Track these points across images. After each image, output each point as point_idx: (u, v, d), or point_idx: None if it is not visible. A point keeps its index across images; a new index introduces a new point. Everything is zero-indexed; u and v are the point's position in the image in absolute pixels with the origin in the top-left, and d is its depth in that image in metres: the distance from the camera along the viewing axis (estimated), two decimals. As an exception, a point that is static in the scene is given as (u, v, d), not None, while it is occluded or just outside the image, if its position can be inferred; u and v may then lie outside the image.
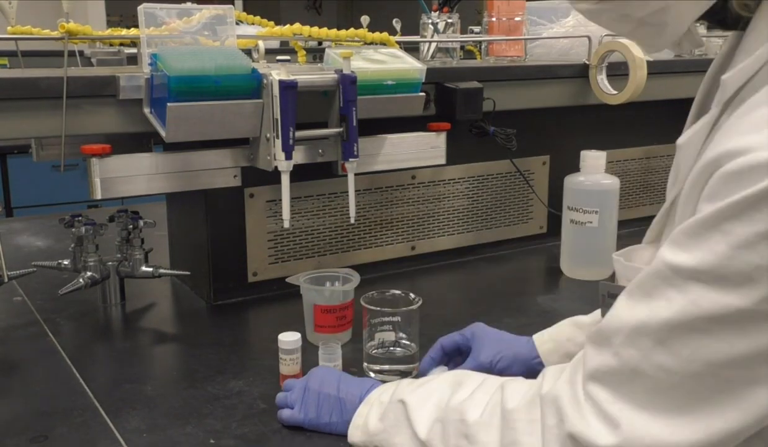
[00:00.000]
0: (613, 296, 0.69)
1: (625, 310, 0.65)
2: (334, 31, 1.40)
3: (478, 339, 1.03)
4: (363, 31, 1.41)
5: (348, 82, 1.20)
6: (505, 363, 1.00)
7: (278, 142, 1.15)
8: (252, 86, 1.15)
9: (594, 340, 0.68)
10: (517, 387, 0.76)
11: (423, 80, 1.34)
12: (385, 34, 1.43)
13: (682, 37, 0.70)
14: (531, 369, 1.00)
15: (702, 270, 0.59)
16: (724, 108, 0.66)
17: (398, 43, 1.46)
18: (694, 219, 0.60)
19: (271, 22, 1.50)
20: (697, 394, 0.61)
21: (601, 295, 0.76)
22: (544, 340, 1.03)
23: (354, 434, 0.87)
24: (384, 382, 1.04)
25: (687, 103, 0.79)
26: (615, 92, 1.59)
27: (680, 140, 0.70)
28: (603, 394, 0.65)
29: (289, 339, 1.02)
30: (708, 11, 0.67)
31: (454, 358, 1.05)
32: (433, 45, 1.71)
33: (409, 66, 1.34)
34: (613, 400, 0.64)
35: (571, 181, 1.49)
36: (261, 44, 1.25)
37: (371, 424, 0.85)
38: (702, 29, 1.66)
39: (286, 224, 1.20)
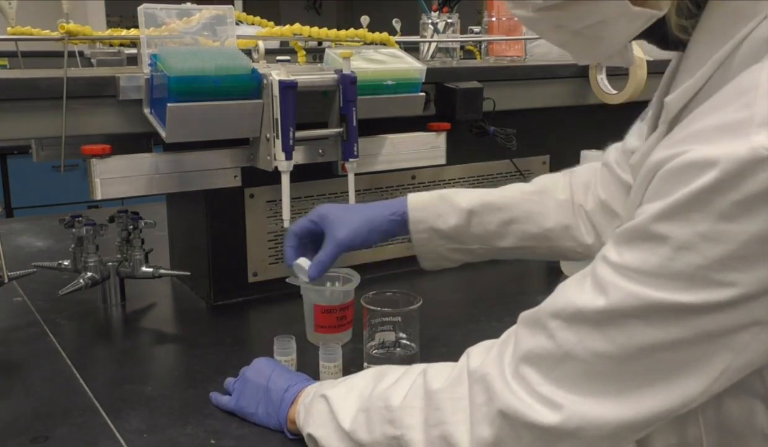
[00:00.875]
0: None
1: (562, 297, 0.66)
2: (334, 31, 1.40)
3: (329, 220, 1.03)
4: (363, 31, 1.41)
5: (348, 82, 1.20)
6: (363, 235, 1.02)
7: (278, 143, 1.15)
8: (252, 86, 1.15)
9: (527, 323, 0.69)
10: (440, 369, 0.77)
11: (423, 80, 1.34)
12: (385, 34, 1.43)
13: (615, 53, 0.71)
14: (388, 231, 1.02)
15: (644, 270, 0.59)
16: (669, 127, 0.67)
17: (398, 43, 1.46)
18: (638, 220, 0.60)
19: (271, 23, 1.50)
20: (628, 377, 0.61)
21: None
22: (417, 207, 1.03)
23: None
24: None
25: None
26: (615, 92, 1.58)
27: (632, 161, 0.71)
28: (535, 376, 0.65)
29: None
30: (647, 31, 0.68)
31: (309, 245, 1.06)
32: (433, 45, 1.71)
33: (409, 66, 1.34)
34: (544, 382, 0.65)
35: (571, 181, 1.49)
36: (261, 44, 1.25)
37: (299, 423, 0.85)
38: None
39: (287, 224, 1.20)
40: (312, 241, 1.06)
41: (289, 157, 1.16)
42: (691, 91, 0.65)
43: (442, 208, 1.03)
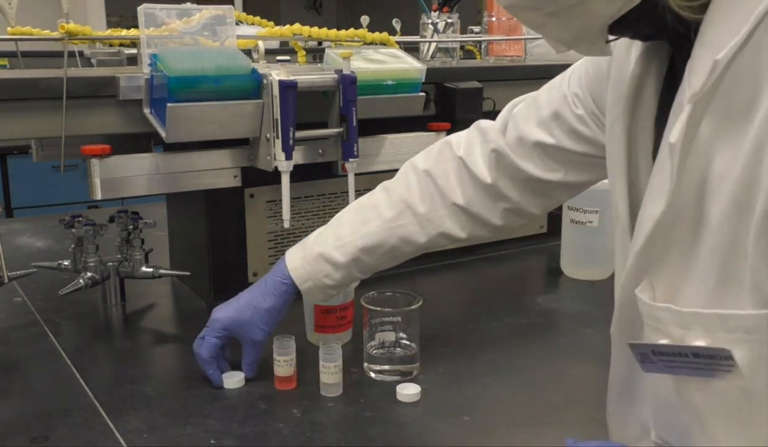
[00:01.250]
0: (663, 354, 0.63)
1: None
2: (334, 31, 1.40)
3: (235, 329, 1.04)
4: (363, 31, 1.41)
5: (348, 82, 1.20)
6: (273, 322, 1.05)
7: (278, 143, 1.15)
8: (252, 86, 1.15)
9: None
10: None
11: (423, 80, 1.34)
12: (385, 34, 1.43)
13: (591, 38, 0.66)
14: (286, 302, 1.06)
15: None
16: (707, 96, 0.60)
17: (398, 43, 1.46)
18: None
19: (271, 23, 1.50)
20: None
21: (638, 354, 0.66)
22: (301, 276, 1.04)
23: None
24: (384, 382, 1.04)
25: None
26: (615, 92, 1.58)
27: (672, 138, 0.62)
28: None
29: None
30: (634, 18, 0.63)
31: (222, 353, 1.06)
32: (433, 45, 1.71)
33: (409, 66, 1.34)
34: None
35: (571, 181, 1.49)
36: (261, 44, 1.25)
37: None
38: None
39: (287, 224, 1.20)
40: (221, 348, 1.06)
41: (289, 157, 1.16)
42: (733, 50, 0.58)
43: (324, 269, 1.04)
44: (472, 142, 1.04)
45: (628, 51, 0.74)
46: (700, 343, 0.60)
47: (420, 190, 1.04)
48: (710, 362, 0.60)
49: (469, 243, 1.10)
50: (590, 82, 0.89)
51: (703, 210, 0.61)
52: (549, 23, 0.66)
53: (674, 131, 0.61)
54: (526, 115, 0.99)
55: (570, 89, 0.93)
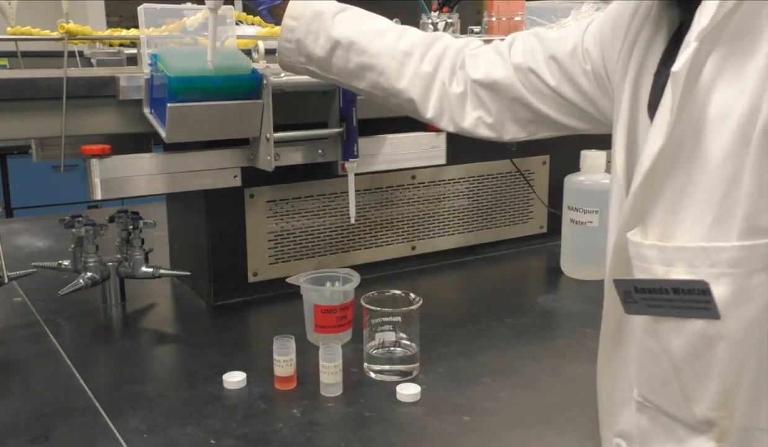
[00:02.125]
0: (645, 291, 0.63)
1: None
2: (334, 31, 1.39)
3: None
4: (363, 31, 1.41)
5: (348, 82, 1.20)
6: None
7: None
8: (252, 86, 1.15)
9: None
10: None
11: (423, 80, 1.34)
12: (385, 34, 1.43)
13: None
14: None
15: None
16: (712, 35, 0.60)
17: (398, 43, 1.45)
18: None
19: (271, 23, 1.50)
20: None
21: (621, 292, 0.66)
22: (293, 14, 1.04)
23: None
24: (384, 382, 1.04)
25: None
26: (615, 92, 1.58)
27: (676, 68, 0.60)
28: None
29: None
30: None
31: None
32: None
33: (409, 66, 1.34)
34: None
35: (571, 181, 1.49)
36: (261, 44, 1.25)
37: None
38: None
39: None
40: None
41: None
42: None
43: (315, 27, 1.04)
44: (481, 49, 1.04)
45: (643, 16, 0.75)
46: (681, 277, 0.60)
47: (435, 51, 1.04)
48: (687, 299, 0.60)
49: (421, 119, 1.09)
50: (604, 43, 0.88)
51: (700, 148, 0.61)
52: None
53: (678, 61, 0.60)
54: (533, 46, 0.99)
55: (583, 44, 0.92)
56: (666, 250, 0.62)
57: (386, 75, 1.03)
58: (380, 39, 1.04)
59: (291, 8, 1.04)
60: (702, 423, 0.64)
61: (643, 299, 0.64)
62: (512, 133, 1.03)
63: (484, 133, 1.04)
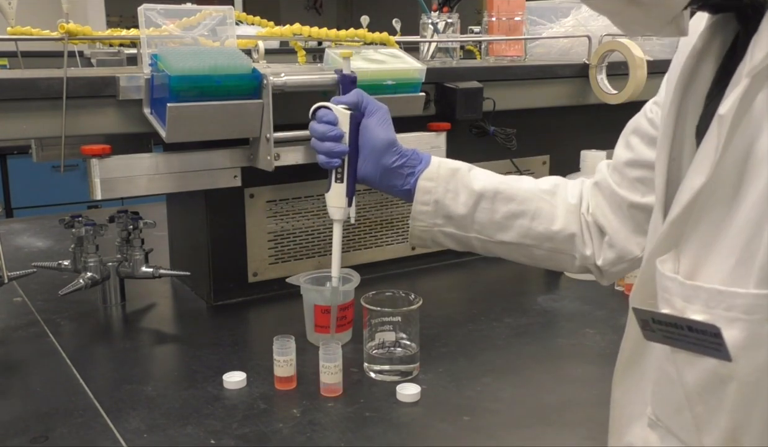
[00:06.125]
0: (662, 323, 0.63)
1: None
2: (334, 31, 1.40)
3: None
4: (363, 31, 1.41)
5: (348, 82, 1.20)
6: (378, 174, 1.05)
7: (342, 187, 1.09)
8: (252, 86, 1.15)
9: None
10: None
11: (423, 80, 1.34)
12: (385, 34, 1.43)
13: (671, 19, 0.64)
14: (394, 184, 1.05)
15: None
16: (765, 72, 0.59)
17: (398, 43, 1.46)
18: None
19: (271, 23, 1.50)
20: None
21: (640, 320, 0.66)
22: (428, 176, 1.03)
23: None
24: (384, 382, 1.04)
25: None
26: (615, 92, 1.59)
27: (723, 110, 0.60)
28: None
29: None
30: None
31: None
32: (433, 45, 1.71)
33: (409, 66, 1.34)
34: None
35: (571, 181, 1.49)
36: (261, 44, 1.25)
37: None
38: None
39: (335, 283, 1.12)
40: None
41: (350, 203, 1.10)
42: None
43: (453, 185, 1.01)
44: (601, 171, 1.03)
45: (695, 28, 0.72)
46: (696, 317, 0.60)
47: (574, 187, 1.03)
48: (700, 338, 0.60)
49: (574, 270, 1.06)
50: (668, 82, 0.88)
51: (741, 186, 0.59)
52: (627, 10, 0.64)
53: (726, 103, 0.59)
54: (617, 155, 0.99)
55: (651, 100, 0.92)
56: (685, 287, 0.62)
57: (540, 218, 1.01)
58: (522, 185, 1.02)
59: (425, 172, 1.02)
60: None
61: (660, 330, 0.64)
62: (639, 244, 0.98)
63: (614, 259, 1.01)
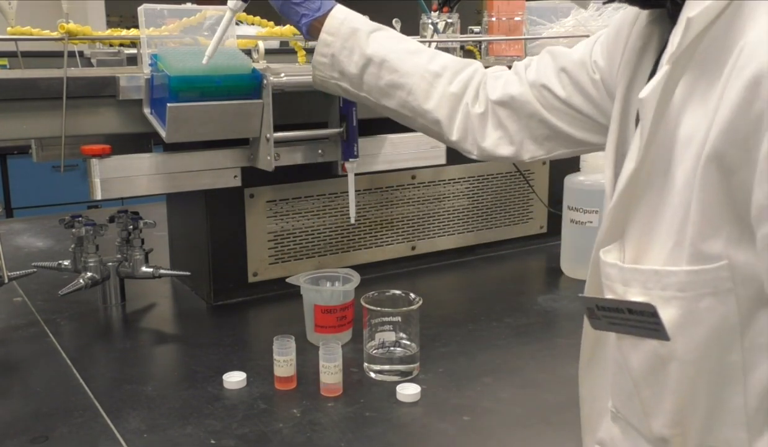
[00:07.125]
0: (605, 309, 0.65)
1: None
2: (334, 31, 1.39)
3: None
4: (363, 31, 1.41)
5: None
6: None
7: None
8: (252, 86, 1.15)
9: None
10: None
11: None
12: (384, 34, 1.43)
13: None
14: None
15: None
16: (685, 56, 0.60)
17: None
18: None
19: (271, 23, 1.50)
20: None
21: (587, 308, 0.68)
22: (330, 30, 1.05)
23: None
24: (384, 382, 1.04)
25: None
26: (615, 92, 1.58)
27: (644, 94, 0.61)
28: None
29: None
30: None
31: None
32: (433, 45, 1.71)
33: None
34: None
35: (571, 181, 1.49)
36: (261, 44, 1.25)
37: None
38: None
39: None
40: None
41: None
42: (714, 11, 0.58)
43: (350, 43, 1.04)
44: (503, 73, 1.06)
45: (639, 28, 0.75)
46: (635, 299, 0.62)
47: (463, 76, 1.05)
48: (640, 320, 0.62)
49: (448, 144, 1.09)
50: (609, 52, 0.89)
51: (670, 172, 0.61)
52: None
53: (646, 88, 0.61)
54: (545, 62, 1.00)
55: (592, 55, 0.93)
56: (624, 271, 0.64)
57: (415, 94, 1.04)
58: (412, 59, 1.04)
59: (328, 24, 1.05)
60: (659, 439, 0.65)
61: (604, 316, 0.65)
62: (531, 152, 1.03)
63: (505, 152, 1.04)
